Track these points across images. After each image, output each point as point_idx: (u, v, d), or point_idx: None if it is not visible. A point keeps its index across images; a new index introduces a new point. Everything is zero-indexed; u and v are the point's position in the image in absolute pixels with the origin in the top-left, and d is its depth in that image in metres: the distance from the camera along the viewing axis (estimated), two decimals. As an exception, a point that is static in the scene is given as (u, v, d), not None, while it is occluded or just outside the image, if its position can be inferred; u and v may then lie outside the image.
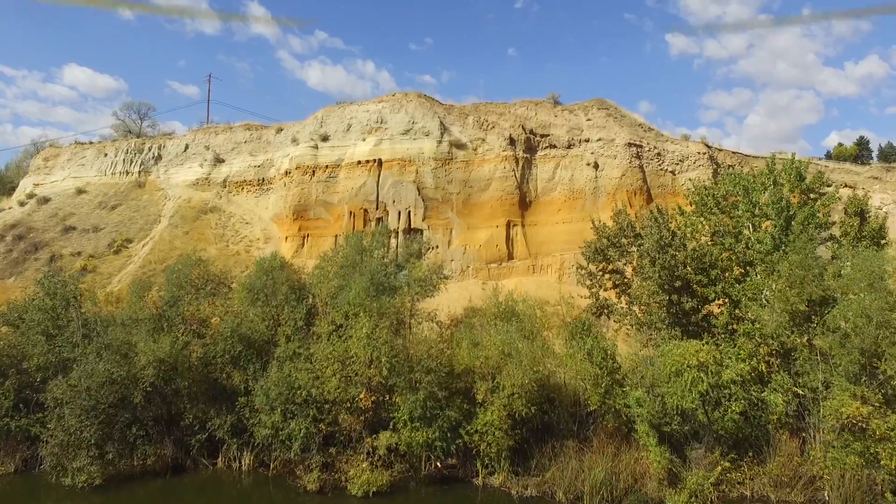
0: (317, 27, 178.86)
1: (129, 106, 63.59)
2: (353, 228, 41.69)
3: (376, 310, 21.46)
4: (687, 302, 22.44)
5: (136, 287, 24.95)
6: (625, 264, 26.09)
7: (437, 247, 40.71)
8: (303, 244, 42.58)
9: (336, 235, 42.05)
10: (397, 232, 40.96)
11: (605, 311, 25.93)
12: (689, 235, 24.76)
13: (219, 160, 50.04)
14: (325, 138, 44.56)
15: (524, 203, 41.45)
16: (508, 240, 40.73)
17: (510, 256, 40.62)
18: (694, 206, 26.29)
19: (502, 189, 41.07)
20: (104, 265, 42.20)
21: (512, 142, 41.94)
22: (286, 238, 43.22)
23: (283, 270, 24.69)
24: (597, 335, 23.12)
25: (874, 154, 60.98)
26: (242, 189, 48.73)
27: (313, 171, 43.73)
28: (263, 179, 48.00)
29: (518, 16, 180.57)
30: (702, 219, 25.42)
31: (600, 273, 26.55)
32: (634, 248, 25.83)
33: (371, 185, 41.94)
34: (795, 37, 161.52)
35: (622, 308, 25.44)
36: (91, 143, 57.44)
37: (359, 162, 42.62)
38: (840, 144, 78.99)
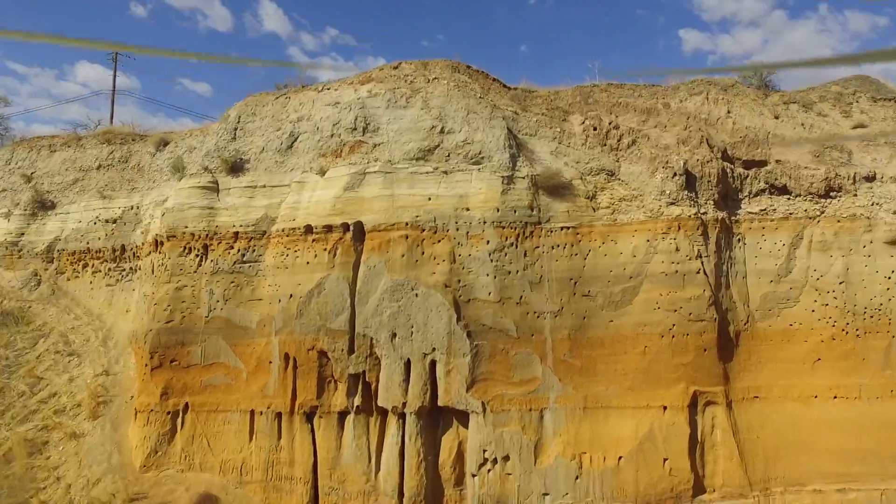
0: (328, 24, 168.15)
1: (-34, 99, 37.95)
2: (294, 398, 16.78)
3: None
4: None
5: None
6: None
7: (507, 458, 15.66)
8: (171, 435, 17.39)
9: (252, 412, 17.04)
10: (401, 415, 15.97)
11: None
12: None
13: (44, 205, 24.98)
14: (235, 167, 19.39)
15: (726, 340, 16.30)
16: (694, 442, 15.60)
17: (698, 487, 15.46)
18: None
19: (671, 302, 15.91)
20: None
21: (689, 179, 16.79)
22: (137, 413, 18.06)
23: None
24: None
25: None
26: (86, 267, 23.72)
27: (205, 248, 18.61)
28: (124, 249, 22.91)
29: (531, 12, 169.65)
30: None
31: None
32: None
33: (336, 289, 16.77)
34: (811, 32, 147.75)
35: None
36: None
37: (309, 228, 17.50)
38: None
